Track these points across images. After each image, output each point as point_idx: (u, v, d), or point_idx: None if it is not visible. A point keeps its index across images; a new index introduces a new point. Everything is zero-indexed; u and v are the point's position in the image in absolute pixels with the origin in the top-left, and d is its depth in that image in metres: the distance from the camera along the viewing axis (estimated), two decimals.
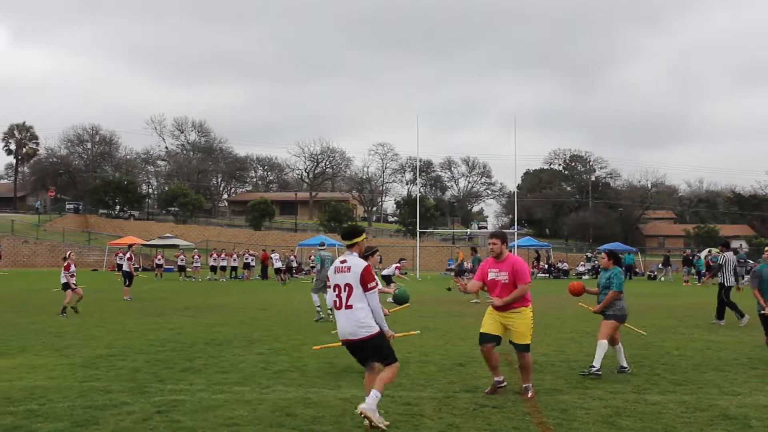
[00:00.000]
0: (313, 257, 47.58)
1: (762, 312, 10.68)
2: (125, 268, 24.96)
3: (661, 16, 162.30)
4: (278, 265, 39.87)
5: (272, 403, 8.08)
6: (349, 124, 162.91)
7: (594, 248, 61.61)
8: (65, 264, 19.39)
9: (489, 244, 8.86)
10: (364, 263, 7.21)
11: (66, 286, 18.95)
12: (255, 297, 25.99)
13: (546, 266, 52.56)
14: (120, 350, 12.14)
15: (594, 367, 9.78)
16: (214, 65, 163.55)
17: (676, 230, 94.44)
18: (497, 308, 8.57)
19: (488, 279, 8.68)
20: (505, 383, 8.69)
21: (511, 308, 8.48)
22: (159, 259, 45.17)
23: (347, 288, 7.10)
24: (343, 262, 7.27)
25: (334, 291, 7.24)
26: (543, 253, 57.65)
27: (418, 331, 10.53)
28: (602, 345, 9.86)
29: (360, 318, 7.03)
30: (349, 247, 7.37)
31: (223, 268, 42.47)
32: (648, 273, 51.27)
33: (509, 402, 8.18)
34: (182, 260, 43.34)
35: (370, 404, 6.81)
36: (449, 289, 30.94)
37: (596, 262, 52.32)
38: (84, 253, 58.43)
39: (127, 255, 25.32)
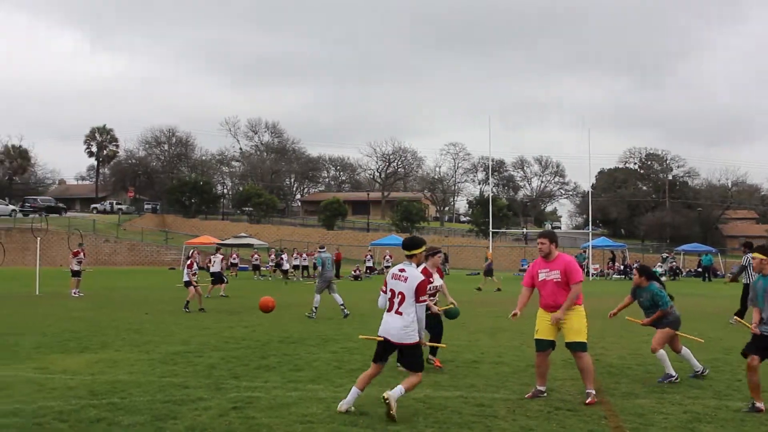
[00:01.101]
0: (389, 256, 47.76)
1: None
2: (215, 268, 25.95)
3: (735, 9, 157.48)
4: (296, 263, 41.90)
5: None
6: (420, 124, 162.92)
7: (671, 249, 60.16)
8: (188, 262, 20.33)
9: (538, 243, 8.70)
10: (421, 277, 7.57)
11: (188, 283, 19.93)
12: (328, 296, 26.16)
13: (621, 267, 51.58)
14: (197, 347, 12.38)
15: (671, 376, 9.55)
16: (286, 67, 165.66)
17: (758, 230, 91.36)
18: (549, 309, 8.44)
19: (538, 280, 8.55)
20: (546, 395, 8.52)
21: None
22: (234, 258, 45.95)
23: (400, 296, 7.53)
24: (401, 270, 7.68)
25: (388, 294, 7.69)
26: (618, 254, 56.59)
27: (445, 345, 10.42)
28: (660, 356, 9.67)
29: (406, 325, 7.50)
30: (408, 257, 7.76)
31: (297, 267, 42.91)
32: (728, 274, 49.86)
33: (585, 405, 8.04)
34: (256, 259, 43.96)
35: (394, 395, 7.32)
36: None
37: (673, 263, 51.14)
38: (161, 252, 59.84)
39: (219, 256, 26.39)
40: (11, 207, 66.62)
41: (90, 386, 8.89)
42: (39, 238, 29.36)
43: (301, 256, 43.87)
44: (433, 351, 10.53)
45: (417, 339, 7.54)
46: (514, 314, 8.71)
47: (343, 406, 7.64)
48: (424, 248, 7.99)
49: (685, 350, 9.97)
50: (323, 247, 19.87)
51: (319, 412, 7.57)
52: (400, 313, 7.51)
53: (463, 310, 12.99)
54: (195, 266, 20.15)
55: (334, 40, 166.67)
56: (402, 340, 7.51)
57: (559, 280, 8.34)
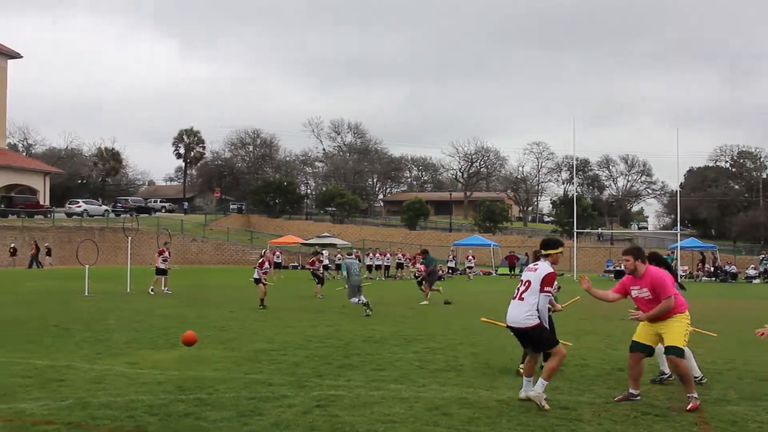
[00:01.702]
0: (471, 257, 47.56)
1: None
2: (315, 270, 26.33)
3: None
4: (378, 262, 42.56)
5: (428, 401, 8.11)
6: (503, 123, 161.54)
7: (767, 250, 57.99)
8: (260, 261, 20.74)
9: (623, 261, 8.44)
10: (550, 270, 7.94)
11: (257, 281, 20.46)
12: (409, 296, 26.17)
13: (712, 269, 50.06)
14: (281, 345, 12.54)
15: (696, 375, 9.21)
16: (369, 68, 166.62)
17: None
18: (650, 319, 8.19)
19: (632, 295, 8.33)
20: (639, 398, 8.29)
21: (663, 317, 8.12)
22: (278, 257, 46.63)
23: (527, 283, 7.95)
24: (535, 264, 8.22)
25: (519, 285, 8.14)
26: (708, 255, 54.90)
27: (571, 344, 10.20)
28: (658, 350, 9.31)
29: (525, 310, 7.84)
30: (545, 256, 8.10)
31: (379, 267, 43.09)
32: None
33: (674, 411, 7.83)
34: (339, 259, 44.27)
35: (538, 391, 7.71)
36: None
37: None
38: (246, 252, 60.90)
39: (316, 258, 26.78)
40: (104, 207, 68.84)
41: (178, 382, 9.12)
42: (130, 238, 30.28)
43: (384, 256, 44.03)
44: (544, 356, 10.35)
45: (536, 322, 7.80)
46: (582, 278, 8.41)
47: (522, 393, 8.08)
48: (561, 249, 8.24)
49: (660, 348, 9.63)
50: (351, 254, 20.12)
51: (402, 412, 7.57)
52: (523, 299, 7.91)
53: None
54: (266, 265, 20.50)
55: (417, 40, 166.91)
56: (522, 324, 7.87)
57: (650, 297, 8.12)
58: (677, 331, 8.07)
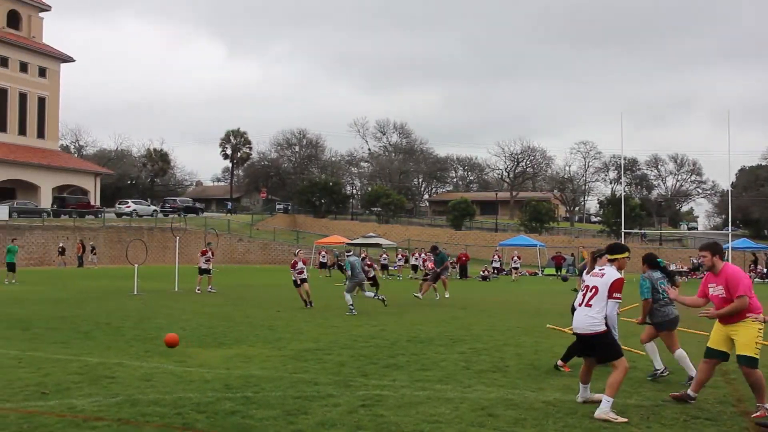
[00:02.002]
0: (517, 257, 47.26)
1: None
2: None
3: None
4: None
5: (473, 402, 8.08)
6: (549, 122, 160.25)
7: None
8: (292, 261, 20.95)
9: (699, 257, 8.27)
10: (618, 275, 7.83)
11: (295, 283, 20.48)
12: (455, 296, 26.11)
13: (765, 270, 49.03)
14: (326, 345, 12.60)
15: (690, 376, 9.21)
16: (412, 68, 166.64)
17: None
18: (721, 320, 7.90)
19: (709, 295, 8.02)
20: (694, 402, 8.13)
21: (735, 319, 7.73)
22: (323, 257, 46.88)
23: (594, 289, 7.82)
24: (601, 270, 8.05)
25: (582, 291, 8.05)
26: (761, 256, 53.77)
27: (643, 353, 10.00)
28: (679, 355, 9.47)
29: (592, 315, 7.72)
30: (611, 261, 8.05)
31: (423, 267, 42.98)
32: None
33: (725, 415, 7.69)
34: (385, 259, 44.37)
35: (603, 409, 7.38)
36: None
37: None
38: (292, 252, 61.17)
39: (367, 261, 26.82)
40: (153, 207, 69.84)
41: (225, 380, 9.21)
42: (178, 237, 30.68)
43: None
44: (567, 356, 10.30)
45: (604, 329, 7.68)
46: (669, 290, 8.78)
47: (579, 398, 8.07)
48: (627, 254, 8.12)
49: (652, 346, 9.83)
50: (350, 251, 20.73)
51: (447, 412, 7.55)
52: (590, 306, 7.78)
53: None
54: (299, 265, 20.57)
55: (462, 40, 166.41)
56: (588, 330, 7.74)
57: (725, 295, 7.80)
58: (749, 337, 7.67)
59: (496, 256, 49.47)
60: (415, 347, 12.45)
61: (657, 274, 9.75)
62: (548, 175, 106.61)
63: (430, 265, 24.08)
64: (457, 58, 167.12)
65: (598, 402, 7.53)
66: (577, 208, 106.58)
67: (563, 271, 47.18)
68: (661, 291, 9.56)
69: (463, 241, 64.82)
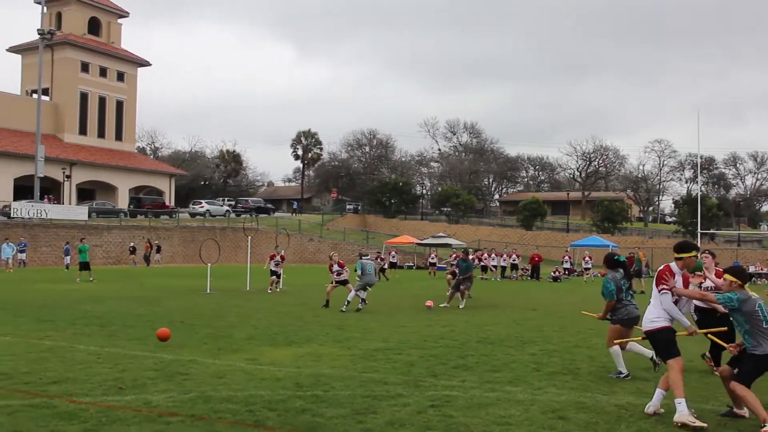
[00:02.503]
0: (588, 258, 46.54)
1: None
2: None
3: None
4: (493, 263, 42.17)
5: (544, 404, 7.99)
6: (622, 121, 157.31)
7: None
8: (328, 264, 21.24)
9: None
10: (662, 267, 7.88)
11: (341, 283, 20.58)
12: (526, 297, 25.88)
13: None
14: (396, 344, 12.61)
15: (621, 372, 9.69)
16: (482, 68, 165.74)
17: None
18: None
19: None
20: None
21: None
22: (432, 258, 46.61)
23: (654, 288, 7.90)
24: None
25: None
26: None
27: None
28: (613, 352, 9.84)
29: (650, 311, 7.81)
30: (677, 259, 7.96)
31: (494, 268, 42.70)
32: None
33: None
34: (455, 259, 44.12)
35: (681, 413, 7.21)
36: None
37: None
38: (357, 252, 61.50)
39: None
40: (225, 208, 71.01)
41: (296, 378, 9.31)
42: (250, 237, 31.13)
43: (500, 256, 43.60)
44: (716, 350, 10.01)
45: (659, 325, 7.68)
46: None
47: (649, 408, 7.69)
48: (693, 252, 7.99)
49: (615, 349, 9.83)
50: (366, 255, 20.71)
51: (517, 414, 7.49)
52: (651, 302, 7.88)
53: None
54: (335, 267, 20.69)
55: (533, 39, 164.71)
56: (646, 327, 7.83)
57: None
58: None
59: (566, 257, 48.75)
60: (485, 348, 12.38)
61: (619, 275, 10.00)
62: (621, 174, 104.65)
63: (451, 269, 23.21)
64: (528, 56, 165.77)
65: (684, 421, 7.16)
66: (651, 208, 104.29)
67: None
68: (625, 290, 9.92)
69: (534, 241, 64.11)
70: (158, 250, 50.24)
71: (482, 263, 41.91)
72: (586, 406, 7.92)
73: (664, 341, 7.69)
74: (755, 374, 7.25)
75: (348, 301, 19.23)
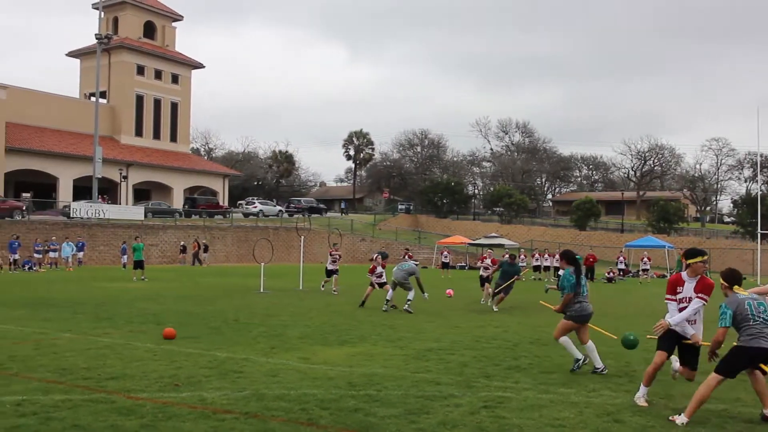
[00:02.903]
0: (647, 259, 45.86)
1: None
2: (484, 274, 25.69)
3: None
4: (546, 263, 41.93)
5: (599, 407, 7.89)
6: (678, 119, 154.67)
7: None
8: (370, 267, 21.40)
9: None
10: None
11: (371, 285, 20.81)
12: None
13: None
14: (448, 345, 12.58)
15: (577, 359, 10.08)
16: (534, 67, 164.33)
17: None
18: None
19: None
20: None
21: None
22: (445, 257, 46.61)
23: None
24: None
25: None
26: None
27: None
28: (562, 342, 10.17)
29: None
30: (687, 266, 8.08)
31: (547, 268, 42.32)
32: None
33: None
34: (522, 260, 43.98)
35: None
36: None
37: None
38: (414, 252, 61.45)
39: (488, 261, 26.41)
40: (278, 208, 71.59)
41: (348, 377, 9.34)
42: (302, 237, 31.35)
43: (552, 256, 43.17)
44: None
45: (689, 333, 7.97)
46: None
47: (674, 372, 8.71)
48: (699, 258, 8.04)
49: (590, 344, 10.10)
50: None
51: (571, 417, 7.40)
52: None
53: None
54: (378, 270, 20.85)
55: (587, 37, 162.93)
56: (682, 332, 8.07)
57: None
58: None
59: (621, 258, 48.08)
60: (539, 349, 12.28)
61: (571, 269, 10.22)
62: (677, 173, 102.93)
63: (490, 264, 22.43)
64: (580, 55, 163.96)
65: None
66: (708, 208, 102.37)
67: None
68: (582, 285, 10.16)
69: (588, 241, 63.36)
70: (205, 250, 50.78)
71: (536, 263, 41.70)
72: (642, 410, 7.79)
73: (697, 350, 8.13)
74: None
75: (387, 300, 19.23)
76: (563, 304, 10.23)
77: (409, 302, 18.68)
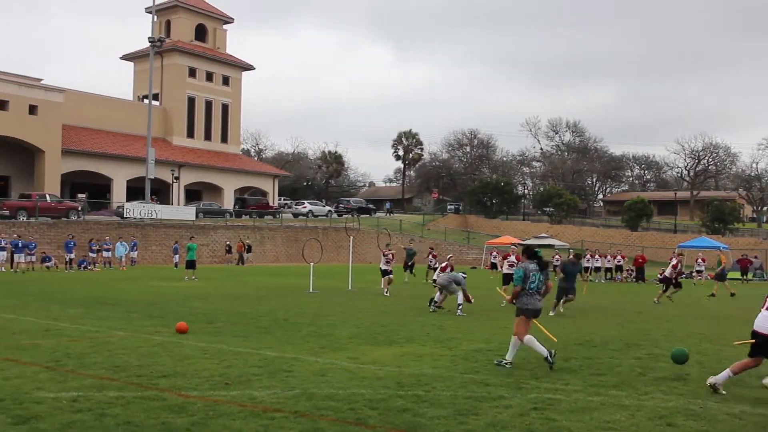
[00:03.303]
0: (701, 260, 45.04)
1: None
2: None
3: None
4: (597, 264, 41.79)
5: (651, 410, 7.76)
6: (734, 117, 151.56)
7: None
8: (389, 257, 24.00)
9: None
10: None
11: (383, 272, 23.38)
12: (630, 299, 25.23)
13: None
14: (497, 346, 12.50)
15: (548, 356, 10.15)
16: (584, 66, 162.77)
17: None
18: None
19: None
20: None
21: None
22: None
23: None
24: None
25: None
26: None
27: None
28: (527, 342, 10.29)
29: (765, 316, 8.45)
30: None
31: (598, 269, 41.82)
32: None
33: None
34: (557, 260, 43.53)
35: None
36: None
37: None
38: (463, 252, 61.29)
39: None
40: (327, 208, 71.92)
41: (397, 377, 9.34)
42: (351, 237, 31.44)
43: (603, 257, 42.66)
44: None
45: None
46: None
47: (711, 379, 8.83)
48: None
49: (528, 338, 10.29)
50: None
51: (622, 420, 7.30)
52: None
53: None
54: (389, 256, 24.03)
55: (640, 35, 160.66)
56: (761, 330, 8.48)
57: None
58: None
59: (673, 258, 47.28)
60: (588, 351, 12.14)
61: (532, 266, 10.46)
62: (733, 173, 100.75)
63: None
64: (630, 53, 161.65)
65: None
66: (765, 208, 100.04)
67: (749, 275, 44.37)
68: (534, 281, 10.37)
69: (639, 242, 62.48)
70: (248, 250, 51.15)
71: (586, 264, 41.24)
72: (696, 414, 7.65)
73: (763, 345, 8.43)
74: None
75: (435, 301, 19.23)
76: (513, 296, 10.60)
77: (460, 306, 18.47)
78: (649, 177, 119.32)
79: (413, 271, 34.66)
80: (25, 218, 41.84)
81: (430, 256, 36.11)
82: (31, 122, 52.12)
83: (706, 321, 18.22)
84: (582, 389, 8.84)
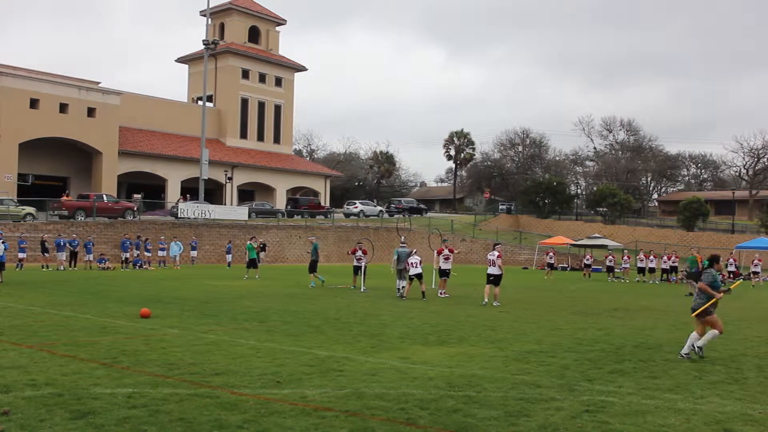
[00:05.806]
0: (758, 261, 44.06)
1: None
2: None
3: None
4: (651, 265, 40.90)
5: (707, 414, 7.62)
6: None
7: None
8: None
9: None
10: None
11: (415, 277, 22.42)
12: (686, 301, 24.73)
13: None
14: (549, 347, 12.40)
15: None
16: (638, 64, 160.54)
17: None
18: None
19: None
20: None
21: None
22: (588, 259, 45.46)
23: None
24: None
25: None
26: None
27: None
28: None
29: None
30: None
31: (652, 270, 41.15)
32: None
33: None
34: (611, 261, 43.00)
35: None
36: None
37: None
38: (515, 252, 60.90)
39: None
40: (379, 208, 72.02)
41: (447, 378, 9.32)
42: (403, 237, 31.40)
43: (658, 258, 41.94)
44: None
45: None
46: None
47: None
48: None
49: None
50: (403, 244, 24.51)
51: (677, 424, 7.18)
52: None
53: None
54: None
55: (695, 33, 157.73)
56: None
57: None
58: None
59: (731, 260, 46.31)
60: (643, 353, 11.96)
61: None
62: None
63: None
64: (685, 51, 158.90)
65: None
66: None
67: None
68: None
69: (696, 242, 61.24)
70: (263, 249, 51.26)
71: (640, 264, 40.68)
72: (755, 419, 7.48)
73: None
74: None
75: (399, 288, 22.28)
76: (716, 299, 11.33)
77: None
78: (705, 176, 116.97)
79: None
80: (83, 218, 42.76)
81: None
82: (89, 124, 53.28)
83: (766, 324, 17.81)
84: (636, 392, 8.71)
